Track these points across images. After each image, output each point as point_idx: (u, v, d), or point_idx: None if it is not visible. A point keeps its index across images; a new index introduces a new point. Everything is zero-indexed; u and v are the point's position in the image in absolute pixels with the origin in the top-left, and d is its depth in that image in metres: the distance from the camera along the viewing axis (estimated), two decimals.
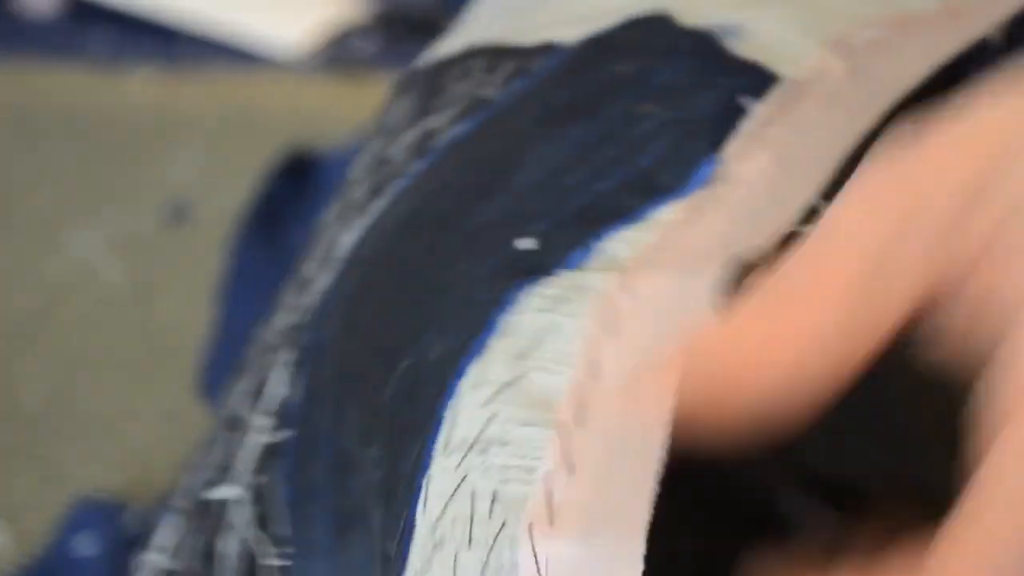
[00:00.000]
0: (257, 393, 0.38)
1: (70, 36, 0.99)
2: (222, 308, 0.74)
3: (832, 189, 0.38)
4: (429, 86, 0.44)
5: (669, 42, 0.42)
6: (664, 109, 0.40)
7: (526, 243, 0.37)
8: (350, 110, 0.92)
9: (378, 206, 0.39)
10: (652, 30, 0.43)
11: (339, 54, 0.97)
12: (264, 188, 0.81)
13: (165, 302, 0.78)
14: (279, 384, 0.38)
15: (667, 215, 0.37)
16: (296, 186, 0.83)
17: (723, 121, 0.39)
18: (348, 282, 0.38)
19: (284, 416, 0.37)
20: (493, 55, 0.44)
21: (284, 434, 0.37)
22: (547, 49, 0.43)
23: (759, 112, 0.40)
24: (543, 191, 0.38)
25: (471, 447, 0.33)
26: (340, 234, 0.40)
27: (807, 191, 0.37)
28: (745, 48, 0.42)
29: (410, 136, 0.42)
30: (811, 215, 0.37)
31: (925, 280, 0.32)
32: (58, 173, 0.87)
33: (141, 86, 0.94)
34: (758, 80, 0.41)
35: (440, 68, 0.45)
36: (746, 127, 0.39)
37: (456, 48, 0.46)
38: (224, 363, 0.73)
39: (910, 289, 0.33)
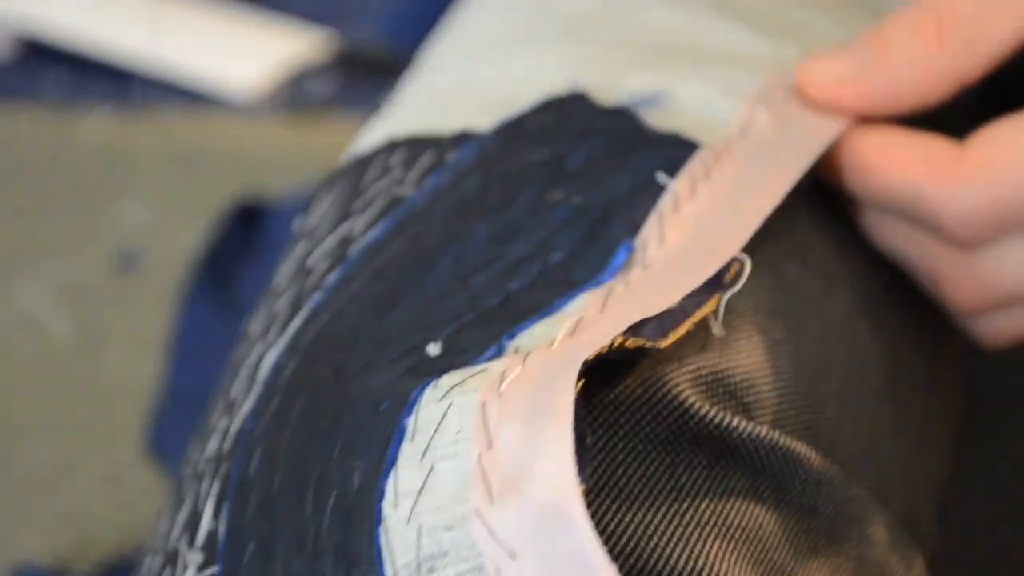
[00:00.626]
0: (193, 525, 0.37)
1: (23, 79, 0.98)
2: (170, 364, 0.73)
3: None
4: (351, 185, 0.44)
5: (584, 123, 0.41)
6: (578, 195, 0.39)
7: (434, 348, 0.36)
8: (306, 152, 0.91)
9: (295, 325, 0.39)
10: (567, 112, 0.42)
11: (295, 95, 0.96)
12: (215, 237, 0.80)
13: (112, 356, 0.76)
14: (208, 517, 0.37)
15: (579, 306, 0.36)
16: (248, 235, 0.81)
17: (639, 202, 0.38)
18: (266, 410, 0.37)
19: (211, 552, 0.36)
20: (413, 147, 0.43)
21: (212, 570, 0.36)
22: (463, 138, 0.42)
23: (676, 188, 0.38)
24: (454, 294, 0.37)
25: (418, 570, 0.32)
26: (264, 352, 0.39)
27: (725, 256, 0.36)
28: (664, 118, 0.41)
29: (329, 243, 0.41)
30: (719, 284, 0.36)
31: None
32: (5, 220, 0.85)
33: (94, 129, 0.92)
34: (677, 152, 0.40)
35: (361, 164, 0.44)
36: (663, 204, 0.38)
37: (378, 139, 0.45)
38: (171, 421, 0.71)
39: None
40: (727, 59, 0.44)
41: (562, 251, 0.37)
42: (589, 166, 0.40)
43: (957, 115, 0.46)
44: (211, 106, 0.97)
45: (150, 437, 0.72)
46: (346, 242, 0.41)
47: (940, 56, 0.41)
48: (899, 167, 0.41)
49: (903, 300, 0.44)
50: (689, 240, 0.37)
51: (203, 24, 1.01)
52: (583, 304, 0.36)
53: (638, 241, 0.37)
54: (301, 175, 0.86)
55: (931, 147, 0.41)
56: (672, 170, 0.39)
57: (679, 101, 0.42)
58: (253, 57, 0.98)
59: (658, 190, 0.38)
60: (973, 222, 0.41)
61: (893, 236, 0.43)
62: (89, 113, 0.96)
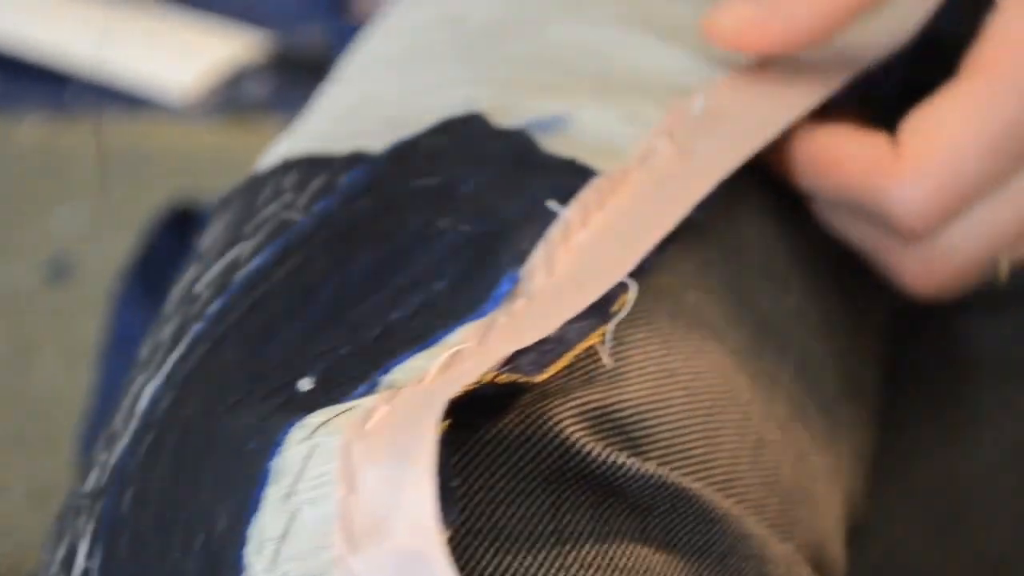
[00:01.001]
0: (68, 564, 0.36)
1: None
2: (101, 374, 0.72)
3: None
4: (244, 207, 0.42)
5: (479, 147, 0.40)
6: (467, 223, 0.38)
7: (306, 384, 0.35)
8: (242, 155, 0.90)
9: (174, 356, 0.38)
10: (463, 134, 0.41)
11: (231, 97, 0.96)
12: (147, 243, 0.79)
13: (43, 366, 0.75)
14: (83, 556, 0.36)
15: (458, 339, 0.35)
16: (181, 240, 0.81)
17: (529, 230, 0.37)
18: (141, 446, 0.36)
19: None
20: (307, 168, 0.42)
21: None
22: (356, 160, 0.41)
23: (567, 216, 0.38)
24: (332, 326, 0.36)
25: None
26: (145, 384, 0.38)
27: (607, 285, 0.36)
28: (562, 144, 0.40)
29: (216, 269, 0.40)
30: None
31: None
32: None
33: (28, 135, 0.91)
34: (572, 180, 0.39)
35: (257, 184, 0.42)
36: (553, 233, 0.37)
37: (276, 159, 0.44)
38: (102, 432, 0.71)
39: None
40: (634, 82, 0.43)
41: (446, 280, 0.36)
42: (480, 192, 0.39)
43: (886, 97, 0.46)
44: (147, 110, 0.96)
45: (81, 448, 0.71)
46: (232, 269, 0.39)
47: None
48: (846, 169, 0.42)
49: (815, 319, 0.44)
50: (577, 270, 0.36)
51: (137, 26, 1.00)
52: (462, 336, 0.34)
53: (524, 271, 0.36)
54: (237, 178, 0.85)
55: (873, 145, 0.42)
56: (566, 198, 0.38)
57: (580, 126, 0.41)
58: (188, 59, 0.98)
59: (549, 218, 0.37)
60: (920, 213, 0.41)
61: (849, 230, 0.45)
62: (23, 119, 0.95)
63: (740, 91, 0.43)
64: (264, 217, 0.41)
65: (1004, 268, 0.44)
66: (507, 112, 0.41)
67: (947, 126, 0.41)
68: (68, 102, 0.97)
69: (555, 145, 0.40)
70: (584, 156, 0.40)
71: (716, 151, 0.41)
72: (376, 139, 0.41)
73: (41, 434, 0.72)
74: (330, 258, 0.38)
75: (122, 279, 0.79)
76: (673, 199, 0.39)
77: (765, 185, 0.44)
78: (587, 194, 0.38)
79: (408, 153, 0.41)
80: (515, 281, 0.36)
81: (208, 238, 0.43)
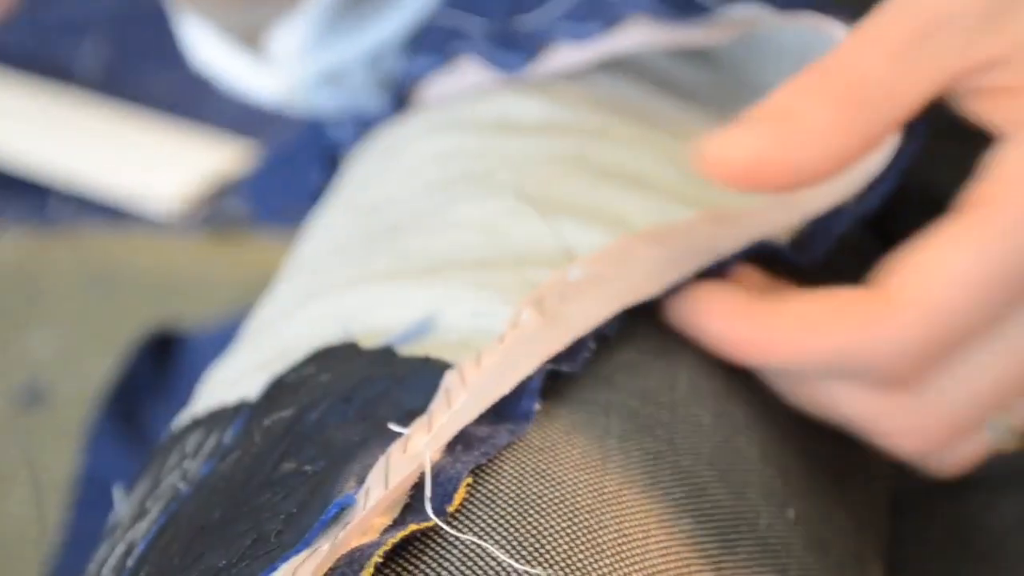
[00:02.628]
0: None
1: None
2: (72, 508, 0.70)
3: None
4: (153, 475, 0.43)
5: (339, 373, 0.40)
6: (308, 462, 0.37)
7: None
8: (226, 272, 0.89)
9: None
10: (327, 363, 0.41)
11: (216, 211, 0.94)
12: (124, 370, 0.77)
13: (13, 497, 0.73)
14: None
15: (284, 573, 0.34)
16: (160, 367, 0.79)
17: (368, 452, 0.37)
18: None
19: None
20: (206, 427, 0.42)
21: None
22: (239, 410, 0.41)
23: (409, 432, 0.37)
24: None
25: None
26: None
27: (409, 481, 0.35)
28: (425, 346, 0.40)
29: (119, 551, 0.40)
30: None
31: (952, 68, 0.39)
32: None
33: (6, 249, 0.90)
34: (426, 384, 0.38)
35: (168, 446, 0.43)
36: (393, 447, 0.36)
37: (189, 417, 0.44)
38: (70, 568, 0.69)
39: (937, 72, 0.39)
40: (520, 258, 0.42)
41: (280, 520, 0.36)
42: (324, 422, 0.38)
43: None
44: (129, 223, 0.95)
45: None
46: (129, 550, 0.40)
47: (854, 120, 0.39)
48: (816, 335, 0.39)
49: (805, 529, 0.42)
50: (407, 480, 0.35)
51: (120, 135, 0.99)
52: (282, 572, 0.34)
53: (361, 492, 0.35)
54: (222, 296, 0.83)
55: (838, 300, 0.39)
56: (416, 407, 0.37)
57: (448, 320, 0.41)
58: (172, 170, 0.96)
59: (391, 438, 0.37)
60: (909, 360, 0.39)
61: (822, 400, 0.41)
62: (6, 232, 0.94)
63: (622, 255, 0.41)
64: (163, 489, 0.41)
65: (1012, 434, 0.42)
66: (381, 316, 0.42)
67: (945, 261, 0.39)
68: (50, 215, 0.96)
69: (422, 348, 0.40)
70: (447, 352, 0.39)
71: (583, 311, 0.39)
72: (254, 380, 0.42)
73: (9, 571, 0.70)
74: (195, 527, 0.38)
75: (96, 408, 0.78)
76: (527, 357, 0.38)
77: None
78: (435, 405, 0.37)
79: (275, 391, 0.41)
80: (345, 505, 0.35)
81: (126, 505, 0.43)
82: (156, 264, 0.91)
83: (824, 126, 0.39)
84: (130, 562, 0.39)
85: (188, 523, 0.38)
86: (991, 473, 0.50)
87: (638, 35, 0.48)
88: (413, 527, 0.34)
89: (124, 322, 0.82)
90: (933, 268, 0.39)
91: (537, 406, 0.37)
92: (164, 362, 0.81)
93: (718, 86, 0.52)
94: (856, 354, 0.39)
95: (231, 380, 0.44)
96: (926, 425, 0.41)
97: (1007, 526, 0.50)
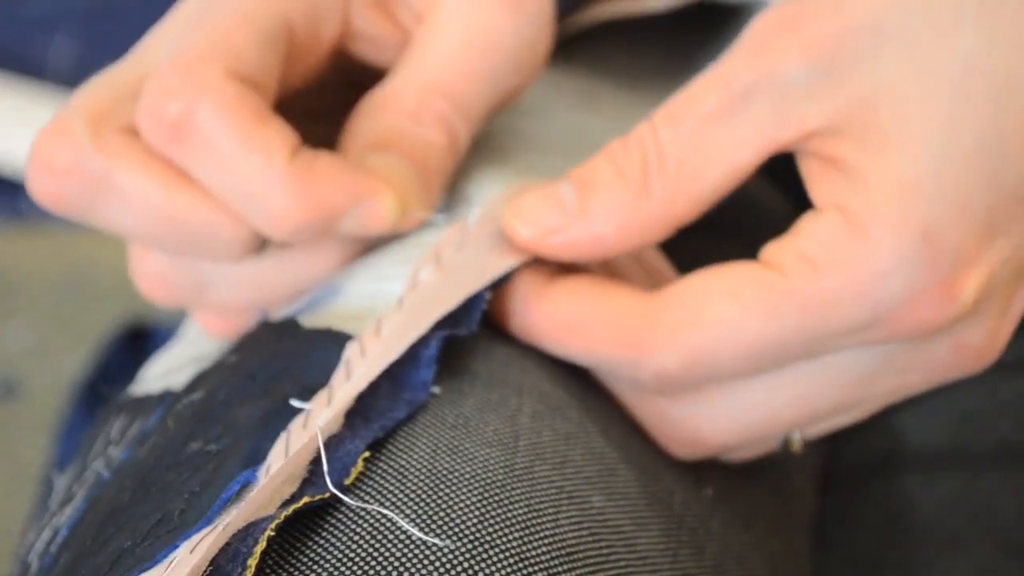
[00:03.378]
0: None
1: None
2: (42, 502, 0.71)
3: None
4: (82, 458, 0.43)
5: (246, 353, 0.41)
6: (213, 441, 0.38)
7: None
8: None
9: None
10: (238, 343, 0.42)
11: None
12: (97, 363, 0.77)
13: None
14: None
15: (182, 553, 0.34)
16: (133, 360, 0.79)
17: (269, 429, 0.37)
18: None
19: None
20: (131, 412, 0.43)
21: None
22: (164, 398, 0.42)
23: (310, 406, 0.37)
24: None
25: None
26: None
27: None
28: (329, 315, 0.41)
29: (45, 536, 0.41)
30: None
31: (769, 137, 0.38)
32: None
33: None
34: (328, 357, 0.38)
35: (95, 432, 0.43)
36: (294, 423, 0.37)
37: (113, 407, 0.44)
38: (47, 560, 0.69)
39: (748, 143, 0.38)
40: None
41: (184, 499, 0.36)
42: (231, 402, 0.39)
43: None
44: None
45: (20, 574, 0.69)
46: (53, 536, 0.40)
47: (646, 203, 0.39)
48: (590, 339, 0.39)
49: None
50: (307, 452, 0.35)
51: None
52: (185, 550, 0.34)
53: (262, 469, 0.35)
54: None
55: (619, 311, 0.39)
56: (318, 382, 0.38)
57: (351, 287, 0.41)
58: None
59: (291, 414, 0.37)
60: (668, 382, 0.39)
61: (608, 386, 0.42)
62: None
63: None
64: (88, 474, 0.42)
65: (797, 440, 0.42)
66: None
67: (724, 317, 0.38)
68: (23, 211, 0.96)
69: (321, 320, 0.40)
70: (350, 323, 0.39)
71: (478, 258, 0.40)
72: (189, 372, 0.42)
73: None
74: (109, 510, 0.38)
75: (69, 401, 0.78)
76: (426, 318, 0.38)
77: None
78: (335, 380, 0.38)
79: (195, 379, 0.41)
80: (248, 481, 0.35)
81: (56, 495, 0.43)
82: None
83: (617, 204, 0.39)
84: (53, 548, 0.40)
85: (104, 507, 0.39)
86: (925, 451, 0.50)
87: None
88: (307, 500, 0.34)
89: (97, 317, 0.82)
90: (710, 318, 0.38)
91: (432, 375, 0.37)
92: (136, 355, 0.81)
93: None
94: (613, 364, 0.40)
95: (162, 372, 0.44)
96: (684, 437, 0.41)
97: (941, 507, 0.50)
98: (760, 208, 0.51)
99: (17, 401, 0.79)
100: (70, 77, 1.06)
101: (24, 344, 0.83)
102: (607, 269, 0.41)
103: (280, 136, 0.39)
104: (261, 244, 0.41)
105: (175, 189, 0.40)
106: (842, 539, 0.50)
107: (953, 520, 0.50)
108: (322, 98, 0.44)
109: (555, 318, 0.40)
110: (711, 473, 0.43)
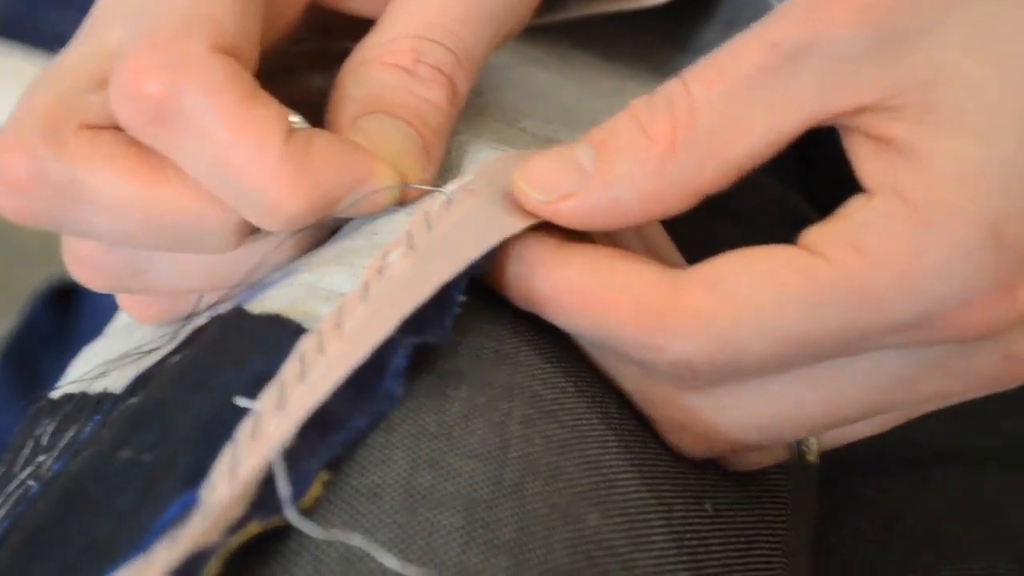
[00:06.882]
0: None
1: None
2: None
3: None
4: (8, 462, 0.39)
5: (191, 350, 0.36)
6: (147, 451, 0.34)
7: None
8: None
9: None
10: (183, 343, 0.38)
11: None
12: (23, 323, 0.75)
13: None
14: None
15: None
16: (60, 319, 0.77)
17: (210, 440, 0.33)
18: None
19: None
20: (64, 411, 0.39)
21: None
22: (103, 400, 0.38)
23: (259, 408, 0.33)
24: None
25: None
26: None
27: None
28: (281, 296, 0.36)
29: None
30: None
31: (812, 106, 0.34)
32: None
33: None
34: (276, 347, 0.34)
35: (25, 431, 0.40)
36: (242, 433, 0.32)
37: (45, 396, 0.41)
38: None
39: (785, 113, 0.34)
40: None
41: (114, 520, 0.33)
42: (165, 401, 0.35)
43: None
44: None
45: None
46: None
47: (672, 167, 0.35)
48: (607, 313, 0.35)
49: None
50: (259, 464, 0.31)
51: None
52: None
53: (206, 488, 0.31)
54: None
55: (642, 286, 0.35)
56: (265, 374, 0.33)
57: (307, 277, 0.37)
58: None
59: (237, 416, 0.33)
60: (688, 371, 0.35)
61: (612, 371, 0.38)
62: None
63: (495, 170, 0.38)
64: (13, 486, 0.38)
65: (814, 449, 0.39)
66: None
67: (762, 308, 0.34)
68: None
69: (267, 305, 0.36)
70: (308, 305, 0.36)
71: (454, 237, 0.36)
72: (129, 371, 0.39)
73: None
74: (32, 530, 0.34)
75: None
76: (393, 314, 0.34)
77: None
78: (285, 374, 0.33)
79: (139, 379, 0.38)
80: (189, 504, 0.31)
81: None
82: None
83: (640, 168, 0.35)
84: None
85: (28, 528, 0.35)
86: (925, 451, 0.47)
87: None
88: (256, 526, 0.30)
89: (25, 280, 0.80)
90: (744, 306, 0.34)
91: (401, 387, 0.34)
92: (65, 314, 0.79)
93: None
94: (627, 344, 0.36)
95: (98, 365, 0.41)
96: (705, 432, 0.37)
97: (942, 509, 0.47)
98: (755, 186, 0.47)
99: None
100: None
101: None
102: (610, 242, 0.37)
103: (274, 117, 0.35)
104: (251, 232, 0.37)
105: (152, 184, 0.36)
106: (837, 543, 0.46)
107: (957, 523, 0.46)
108: (297, 52, 0.41)
109: (569, 287, 0.36)
110: (711, 486, 0.39)
